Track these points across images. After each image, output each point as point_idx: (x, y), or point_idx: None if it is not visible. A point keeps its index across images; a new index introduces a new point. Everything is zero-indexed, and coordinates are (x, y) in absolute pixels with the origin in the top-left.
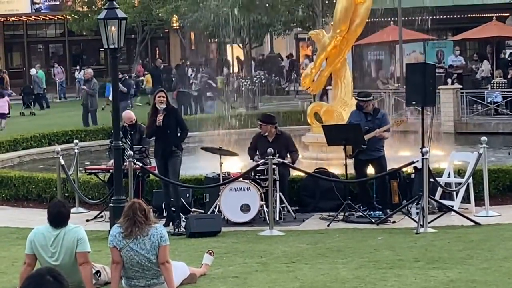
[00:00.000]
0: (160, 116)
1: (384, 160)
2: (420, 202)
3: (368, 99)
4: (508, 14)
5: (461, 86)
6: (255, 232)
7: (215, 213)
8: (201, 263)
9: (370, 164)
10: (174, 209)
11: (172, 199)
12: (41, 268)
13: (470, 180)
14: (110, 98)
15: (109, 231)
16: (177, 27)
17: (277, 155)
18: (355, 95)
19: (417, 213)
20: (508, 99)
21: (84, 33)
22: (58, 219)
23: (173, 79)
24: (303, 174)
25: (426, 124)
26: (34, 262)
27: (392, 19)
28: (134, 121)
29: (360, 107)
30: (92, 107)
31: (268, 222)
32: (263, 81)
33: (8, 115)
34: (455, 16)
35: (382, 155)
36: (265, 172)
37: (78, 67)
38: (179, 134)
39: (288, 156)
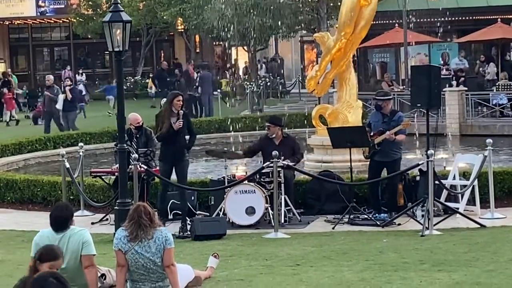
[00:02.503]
0: (181, 120)
1: (398, 163)
2: (425, 205)
3: (386, 98)
4: None
5: (466, 88)
6: (260, 235)
7: (220, 216)
8: (206, 266)
9: (384, 167)
10: (180, 212)
11: (178, 202)
12: (43, 271)
13: (475, 183)
14: (58, 106)
15: (114, 234)
16: (182, 30)
17: (282, 157)
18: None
19: (422, 216)
20: None
21: (89, 36)
22: (57, 223)
23: (179, 81)
24: (308, 177)
25: (432, 126)
26: None
27: (397, 21)
28: (140, 123)
29: (378, 107)
30: (57, 114)
31: (273, 224)
32: (268, 83)
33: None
34: (460, 18)
35: (397, 159)
36: (270, 175)
37: (80, 70)
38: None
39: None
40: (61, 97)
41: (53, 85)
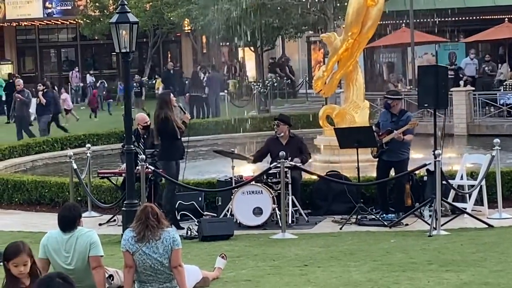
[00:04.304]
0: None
1: (406, 164)
2: (433, 205)
3: (396, 97)
4: None
5: (473, 88)
6: (267, 235)
7: (228, 216)
8: (214, 267)
9: (392, 167)
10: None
11: (187, 203)
12: (51, 272)
13: (483, 182)
14: (31, 110)
15: (122, 235)
16: (189, 31)
17: (290, 158)
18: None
19: (430, 216)
20: None
21: (96, 37)
22: (64, 223)
23: (186, 82)
24: (315, 177)
25: (439, 126)
26: (48, 267)
27: (404, 21)
28: (148, 123)
29: (388, 105)
30: (28, 119)
31: (280, 225)
32: (275, 84)
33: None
34: (467, 18)
35: (405, 159)
36: (277, 175)
37: (91, 71)
38: None
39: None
40: (34, 100)
41: (24, 89)
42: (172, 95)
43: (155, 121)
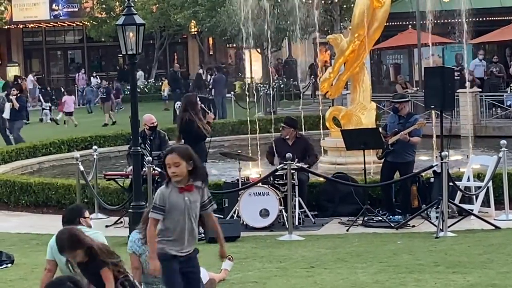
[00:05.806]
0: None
1: (411, 166)
2: (439, 206)
3: (403, 100)
4: None
5: (480, 90)
6: (274, 237)
7: (234, 218)
8: (220, 269)
9: (397, 169)
10: None
11: None
12: (61, 275)
13: (490, 184)
14: (5, 115)
15: (129, 237)
16: (195, 33)
17: (297, 160)
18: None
19: (437, 217)
20: None
21: (103, 39)
22: (64, 223)
23: (190, 84)
24: (322, 179)
25: (446, 127)
26: (55, 268)
27: (410, 22)
28: (155, 124)
29: (396, 109)
30: (3, 125)
31: (287, 227)
32: (282, 86)
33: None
34: (473, 19)
35: (410, 161)
36: (284, 177)
37: (94, 74)
38: None
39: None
40: (7, 105)
41: (1, 95)
42: (197, 97)
43: (178, 123)
